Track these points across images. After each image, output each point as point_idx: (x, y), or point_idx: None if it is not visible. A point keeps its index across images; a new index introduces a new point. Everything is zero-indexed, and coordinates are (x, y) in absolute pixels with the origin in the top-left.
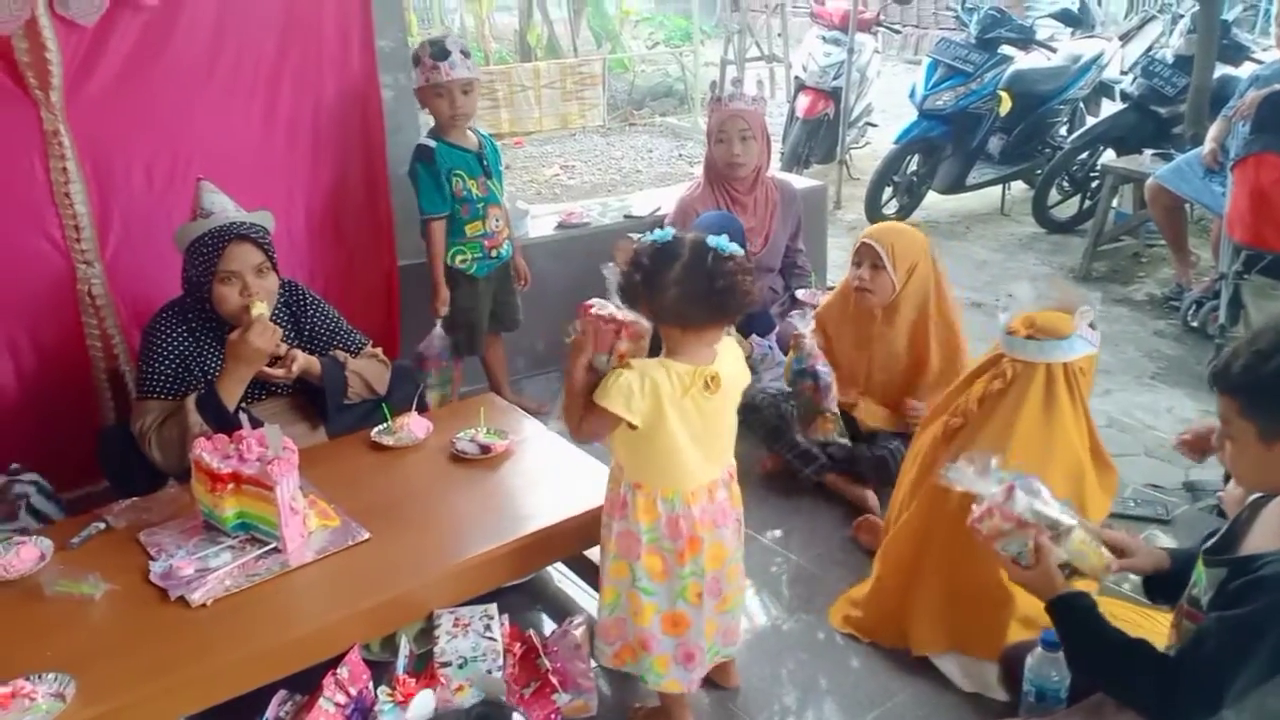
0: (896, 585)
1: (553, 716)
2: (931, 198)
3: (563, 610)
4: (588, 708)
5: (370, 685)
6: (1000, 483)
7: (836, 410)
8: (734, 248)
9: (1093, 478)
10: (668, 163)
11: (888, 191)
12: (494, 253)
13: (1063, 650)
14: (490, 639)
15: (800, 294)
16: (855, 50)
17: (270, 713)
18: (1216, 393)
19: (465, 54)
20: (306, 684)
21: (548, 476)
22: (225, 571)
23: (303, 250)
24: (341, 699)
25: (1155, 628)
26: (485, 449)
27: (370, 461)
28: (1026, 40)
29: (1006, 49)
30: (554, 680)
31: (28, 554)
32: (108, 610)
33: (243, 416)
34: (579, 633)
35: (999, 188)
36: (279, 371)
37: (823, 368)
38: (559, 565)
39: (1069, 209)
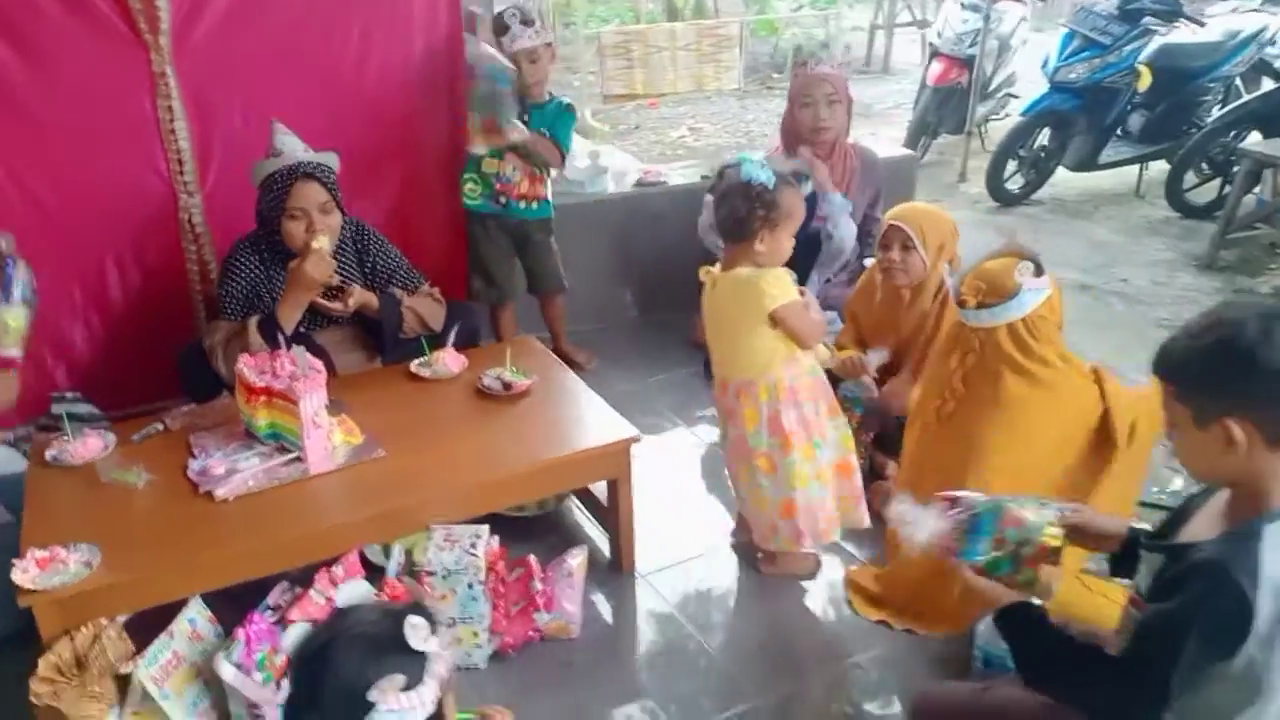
0: (908, 577)
1: (533, 634)
2: (1061, 174)
3: (573, 542)
4: (568, 629)
5: (363, 580)
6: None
7: (868, 441)
8: (759, 176)
9: (1095, 415)
10: None
11: (1012, 166)
12: (502, 199)
13: (1013, 661)
14: (473, 555)
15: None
16: (997, 17)
17: (271, 599)
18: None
19: (528, 23)
20: (310, 579)
21: (559, 415)
22: (250, 472)
23: (380, 192)
24: (332, 593)
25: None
26: (508, 386)
27: (406, 390)
28: (1173, 13)
29: (1150, 21)
30: (539, 601)
31: (93, 444)
32: (147, 497)
33: (289, 345)
34: (575, 562)
35: (1136, 167)
36: (336, 305)
37: (869, 404)
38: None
39: (1207, 193)
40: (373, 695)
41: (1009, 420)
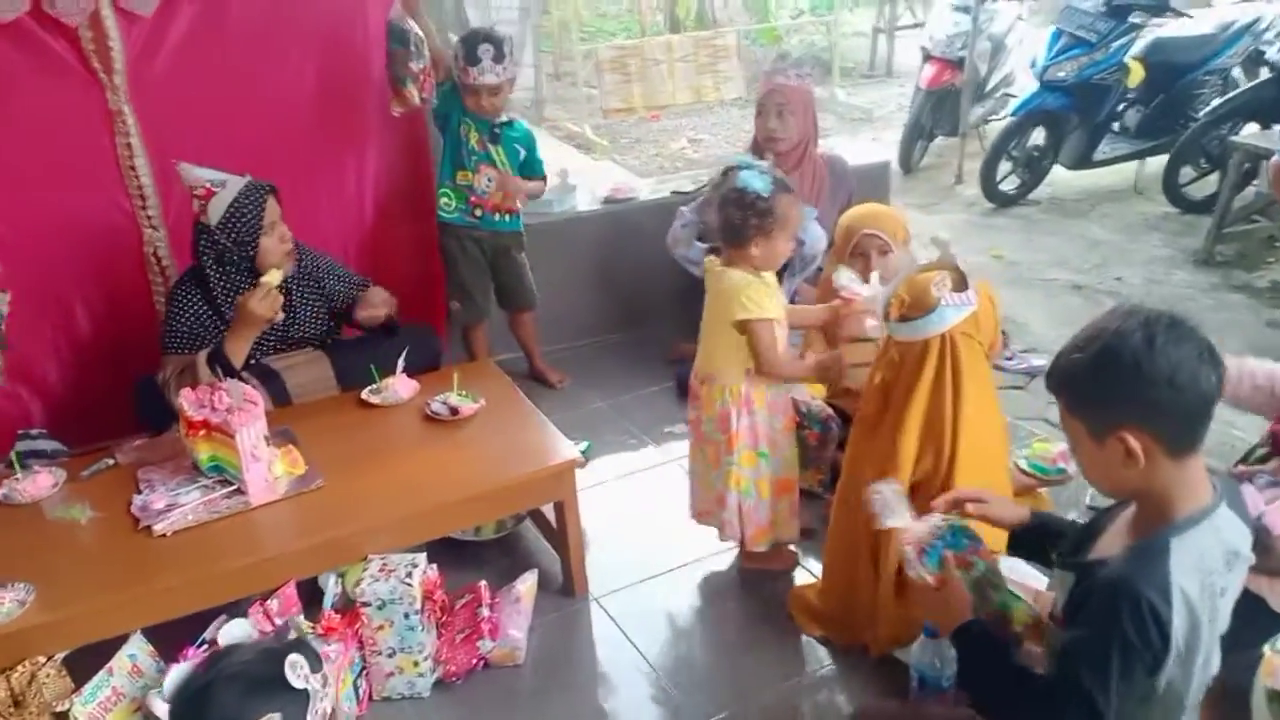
0: (842, 586)
1: (477, 662)
2: (1060, 173)
3: (529, 565)
4: (514, 656)
5: (301, 617)
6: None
7: (828, 464)
8: (755, 185)
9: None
10: None
11: (1005, 167)
12: (477, 211)
13: (958, 676)
14: (407, 585)
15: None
16: (988, 17)
17: (208, 633)
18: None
19: (499, 57)
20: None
21: (504, 440)
22: (190, 506)
23: (352, 214)
24: (265, 626)
25: None
26: (455, 411)
27: (355, 417)
28: (1160, 7)
29: (1138, 16)
30: (484, 628)
31: (42, 481)
32: (90, 533)
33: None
34: (523, 588)
35: (1135, 163)
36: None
37: (835, 424)
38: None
39: (1207, 187)
40: None
41: (926, 431)
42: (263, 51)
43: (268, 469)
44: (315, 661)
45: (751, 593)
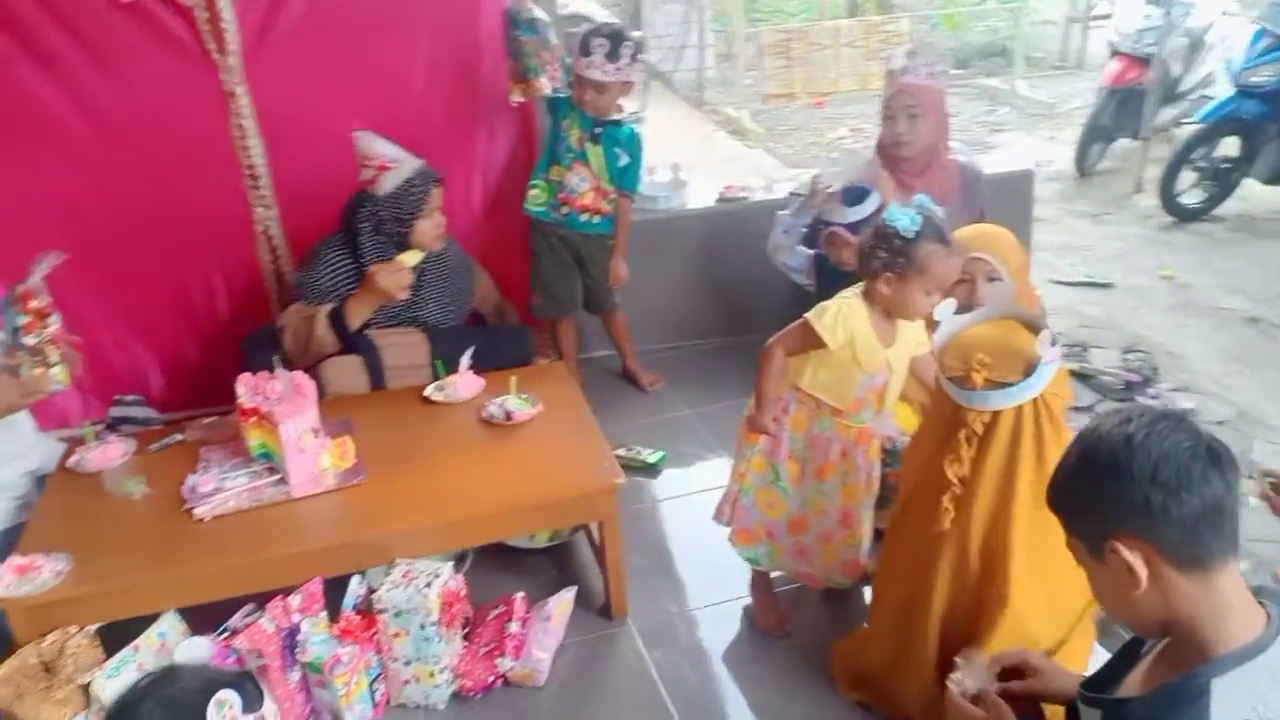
0: (889, 649)
1: (494, 679)
2: (1252, 188)
3: (573, 580)
4: (533, 677)
5: (323, 615)
6: None
7: None
8: (900, 222)
9: None
10: (965, 128)
11: (1189, 177)
12: (564, 210)
13: None
14: (424, 595)
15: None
16: (1183, 10)
17: (232, 621)
18: None
19: (613, 55)
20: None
21: (550, 452)
22: (234, 492)
23: (458, 202)
24: (283, 622)
25: None
26: (509, 415)
27: (415, 413)
28: None
29: None
30: (509, 645)
31: (112, 451)
32: (139, 509)
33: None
34: (555, 606)
35: None
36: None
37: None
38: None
39: None
40: None
41: (1033, 520)
42: (376, 34)
43: (314, 461)
44: (254, 701)
45: (798, 640)
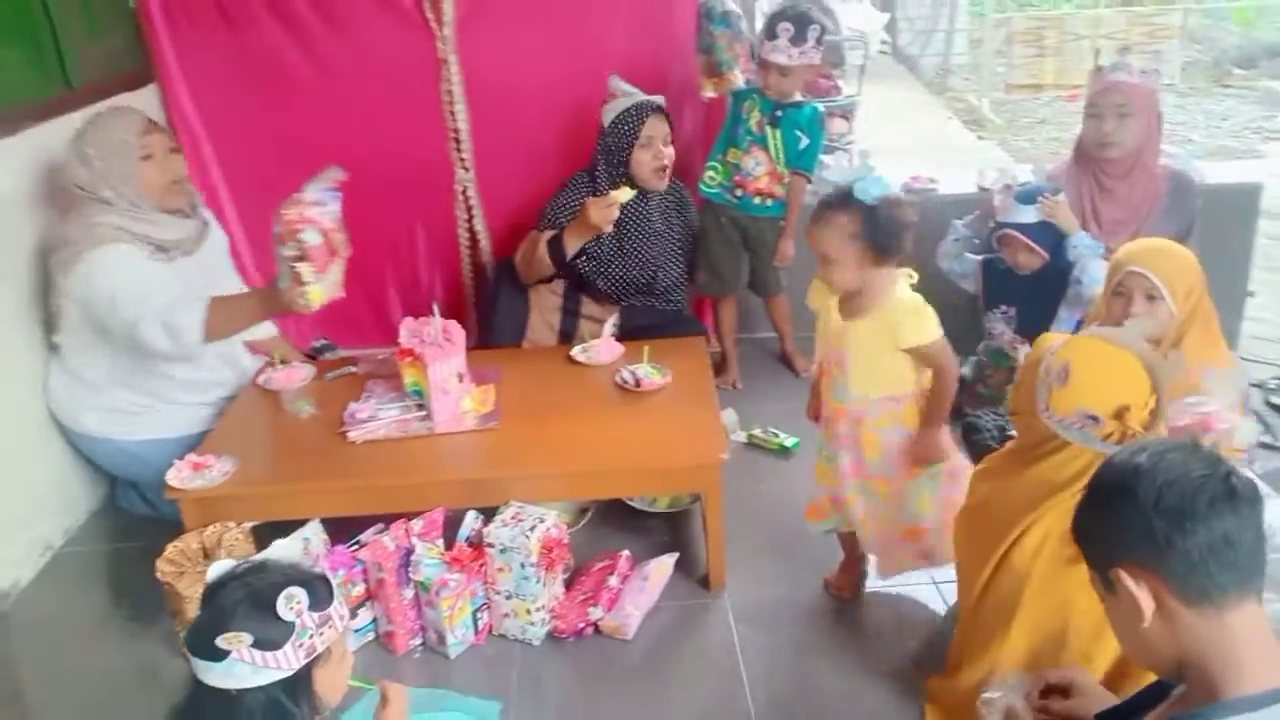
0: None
1: (585, 626)
2: None
3: (683, 546)
4: (622, 630)
5: (438, 540)
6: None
7: None
8: (868, 192)
9: None
10: (1234, 134)
11: None
12: (738, 192)
13: None
14: (525, 538)
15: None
16: None
17: (363, 536)
18: None
19: (797, 40)
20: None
21: (668, 421)
22: (385, 421)
23: None
24: (403, 542)
25: None
26: (638, 382)
27: (558, 371)
28: None
29: None
30: (604, 597)
31: (294, 375)
32: (305, 427)
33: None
34: (654, 569)
35: None
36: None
37: None
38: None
39: None
40: (219, 641)
41: None
42: (579, 18)
43: (456, 402)
44: (322, 600)
45: (889, 651)
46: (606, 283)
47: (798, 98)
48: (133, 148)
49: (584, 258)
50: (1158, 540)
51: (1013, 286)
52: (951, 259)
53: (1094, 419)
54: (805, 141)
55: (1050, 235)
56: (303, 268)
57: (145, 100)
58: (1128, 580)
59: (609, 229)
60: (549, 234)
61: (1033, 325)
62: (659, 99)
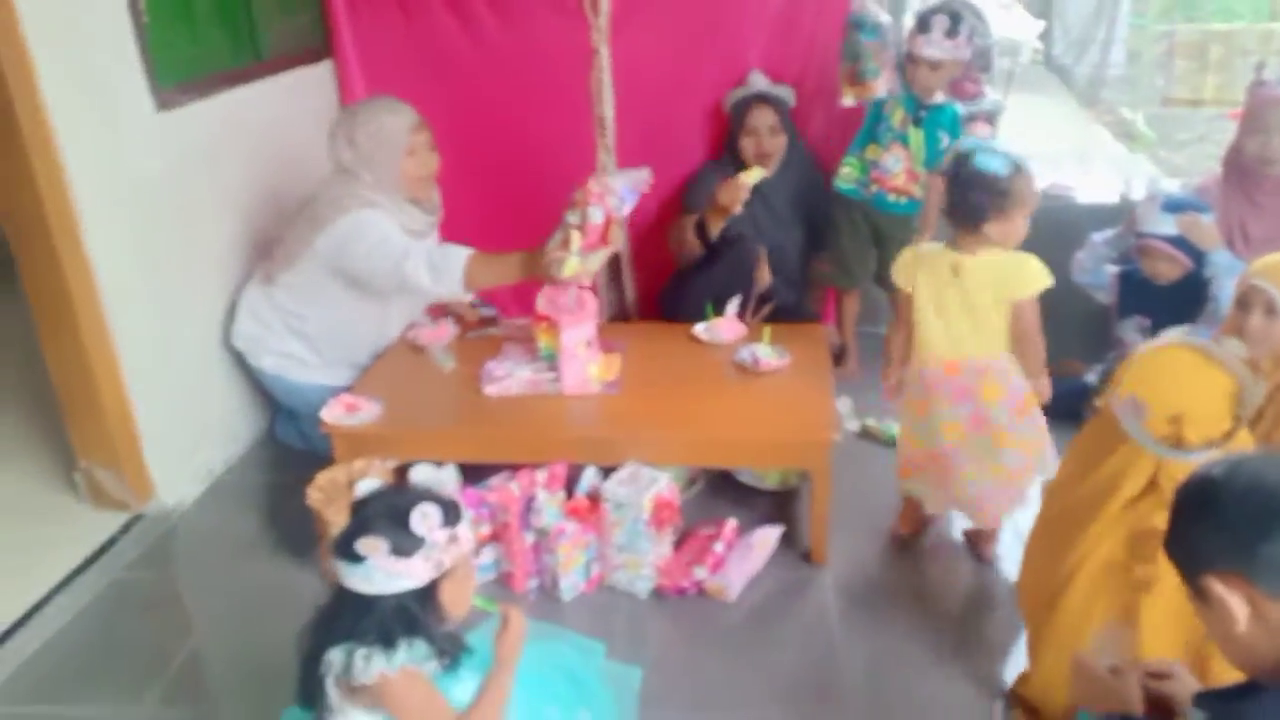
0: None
1: (689, 585)
2: None
3: (791, 521)
4: (724, 592)
5: (559, 491)
6: None
7: None
8: (991, 165)
9: None
10: None
11: None
12: (873, 188)
13: None
14: (640, 496)
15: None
16: None
17: (493, 480)
18: None
19: (952, 33)
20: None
21: (783, 400)
22: (519, 380)
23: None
24: (527, 490)
25: None
26: (757, 362)
27: (681, 347)
28: None
29: None
30: (708, 560)
31: (441, 331)
32: (447, 379)
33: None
34: (759, 540)
35: None
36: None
37: None
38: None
39: None
40: (356, 545)
41: None
42: (728, 19)
43: (584, 367)
44: (452, 518)
45: (984, 645)
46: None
47: (940, 98)
48: (403, 141)
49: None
50: (1242, 545)
51: (1149, 297)
52: (1087, 272)
53: (1138, 407)
54: (946, 142)
55: (1192, 247)
56: (575, 235)
57: (321, 74)
58: (1219, 587)
59: (739, 209)
60: (694, 217)
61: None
62: (766, 90)
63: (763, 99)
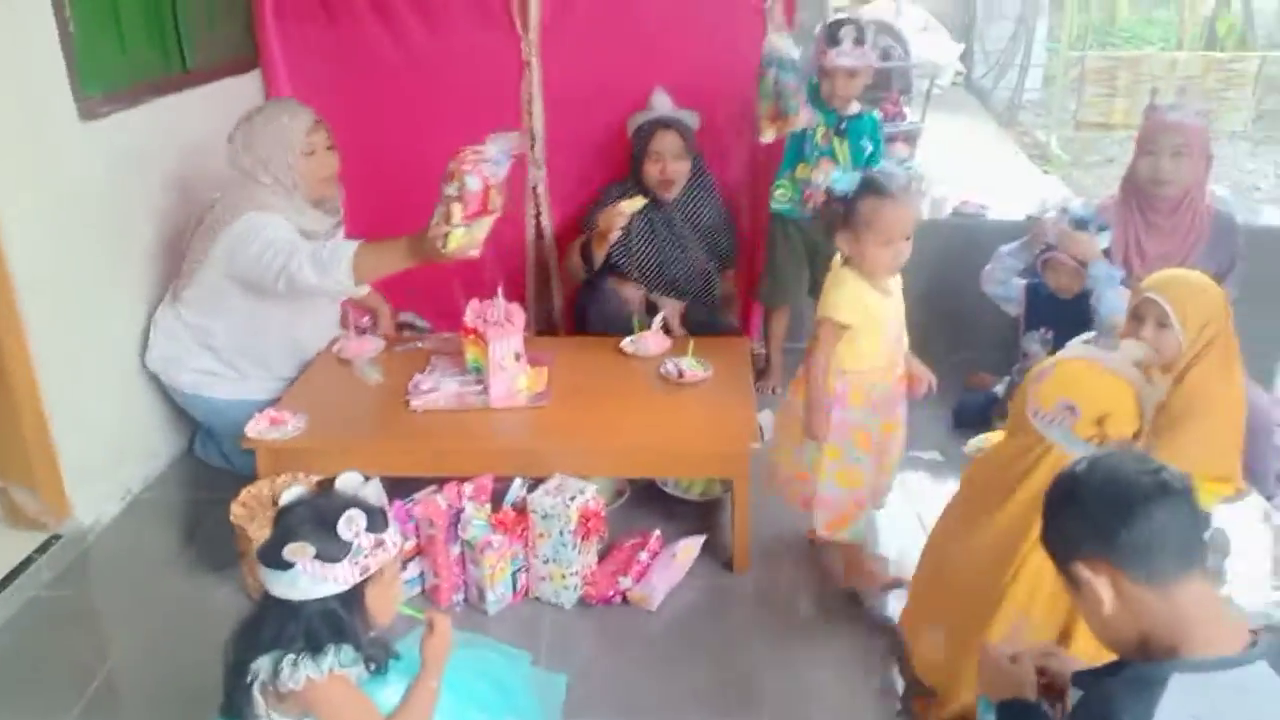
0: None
1: (614, 595)
2: None
3: (713, 530)
4: (647, 600)
5: (486, 503)
6: None
7: None
8: (837, 186)
9: None
10: None
11: None
12: (809, 205)
13: None
14: (565, 507)
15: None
16: None
17: (418, 495)
18: None
19: (860, 40)
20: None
21: (705, 410)
22: (445, 393)
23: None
24: (454, 503)
25: None
26: (681, 374)
27: (608, 359)
28: None
29: None
30: (633, 569)
31: (366, 345)
32: (372, 393)
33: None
34: (681, 548)
35: None
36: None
37: None
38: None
39: None
40: (284, 551)
41: None
42: (657, 34)
43: (512, 379)
44: (378, 525)
45: (902, 649)
46: (641, 277)
47: (856, 108)
48: (299, 142)
49: (624, 258)
50: (1104, 532)
51: (1054, 310)
52: (997, 284)
53: (1072, 409)
54: (870, 148)
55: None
56: (455, 207)
57: (250, 84)
58: (1085, 572)
59: (616, 235)
60: (579, 241)
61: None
62: (672, 115)
63: (666, 124)
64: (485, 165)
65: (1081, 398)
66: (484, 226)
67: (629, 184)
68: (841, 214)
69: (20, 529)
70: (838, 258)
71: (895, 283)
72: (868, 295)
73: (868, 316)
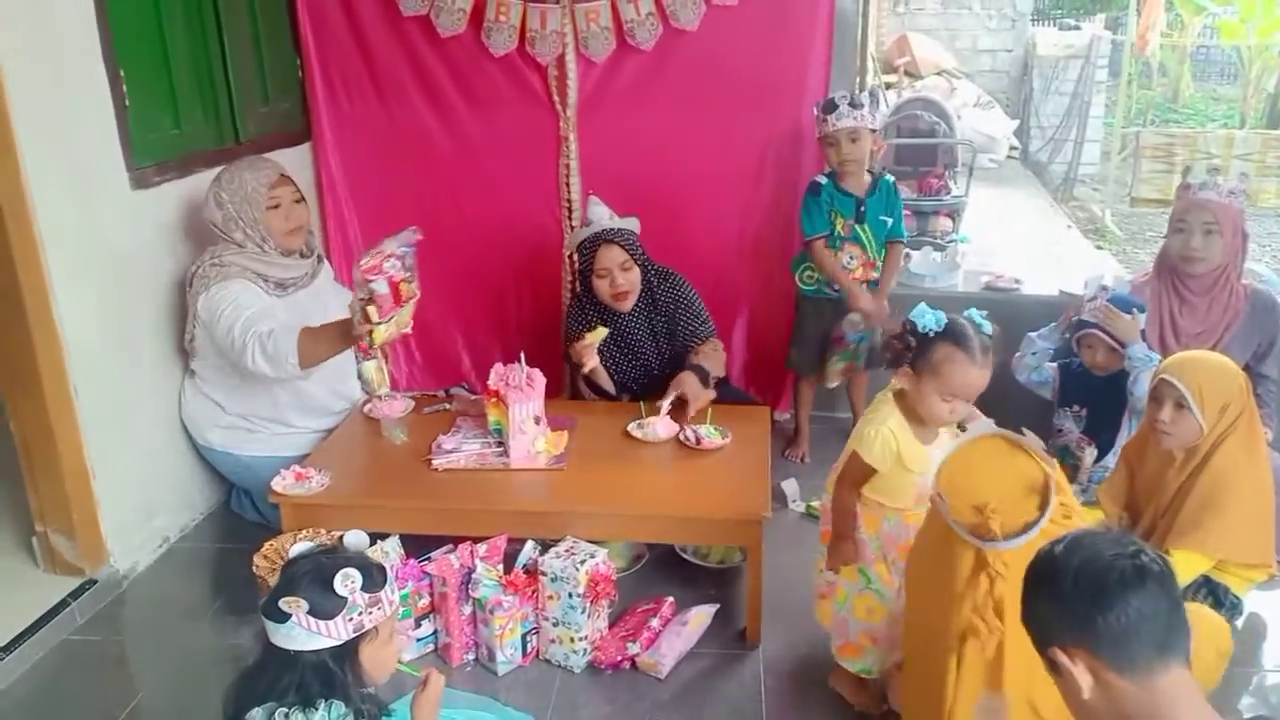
0: None
1: (622, 660)
2: None
3: (729, 600)
4: (656, 668)
5: (498, 564)
6: None
7: None
8: (924, 322)
9: None
10: None
11: None
12: (836, 287)
13: None
14: (575, 570)
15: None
16: None
17: (434, 554)
18: None
19: (857, 105)
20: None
21: (722, 478)
22: (466, 454)
23: (732, 262)
24: (467, 562)
25: None
26: (699, 441)
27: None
28: None
29: None
30: (643, 636)
31: (396, 406)
32: (397, 451)
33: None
34: (693, 617)
35: None
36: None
37: None
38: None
39: None
40: (280, 603)
41: None
42: (694, 104)
43: (531, 442)
44: (375, 584)
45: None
46: (630, 387)
47: (869, 179)
48: (262, 197)
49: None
50: (1080, 619)
51: (1087, 387)
52: (1030, 370)
53: (940, 497)
54: (890, 221)
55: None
56: (370, 310)
57: (300, 157)
58: (1063, 658)
59: (591, 364)
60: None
61: (1101, 427)
62: (613, 229)
63: (609, 239)
64: (388, 263)
65: (954, 488)
66: (407, 311)
67: (583, 299)
68: (913, 349)
69: (57, 573)
70: (892, 383)
71: (947, 432)
72: (906, 443)
73: (898, 465)
